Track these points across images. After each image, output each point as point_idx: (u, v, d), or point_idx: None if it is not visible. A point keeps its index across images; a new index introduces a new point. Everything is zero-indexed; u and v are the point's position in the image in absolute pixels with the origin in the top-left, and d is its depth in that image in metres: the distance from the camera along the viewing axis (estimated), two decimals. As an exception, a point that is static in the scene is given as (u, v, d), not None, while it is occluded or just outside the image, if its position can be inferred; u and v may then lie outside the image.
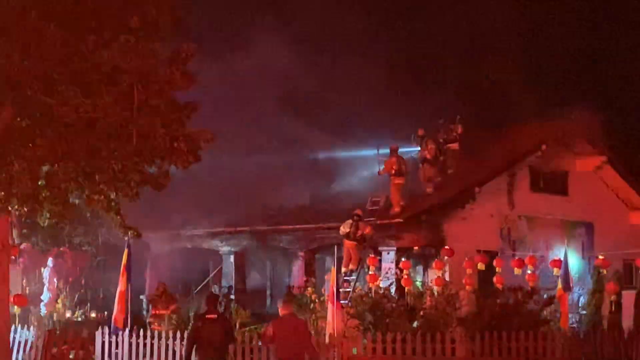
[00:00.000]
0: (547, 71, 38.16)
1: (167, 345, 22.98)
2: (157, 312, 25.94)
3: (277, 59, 32.69)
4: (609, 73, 40.68)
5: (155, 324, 25.46)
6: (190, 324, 18.92)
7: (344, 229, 26.81)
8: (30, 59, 21.08)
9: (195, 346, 17.55)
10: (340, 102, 34.24)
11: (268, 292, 32.03)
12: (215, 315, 17.82)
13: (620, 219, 32.78)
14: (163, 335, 23.18)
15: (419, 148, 30.59)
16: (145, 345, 23.30)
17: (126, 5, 21.57)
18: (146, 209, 25.00)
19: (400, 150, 30.21)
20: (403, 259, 26.19)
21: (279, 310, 17.50)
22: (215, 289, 30.10)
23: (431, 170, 29.90)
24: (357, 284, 26.54)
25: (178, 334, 22.77)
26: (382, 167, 29.04)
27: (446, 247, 26.80)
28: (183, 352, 18.88)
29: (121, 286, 24.30)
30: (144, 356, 23.29)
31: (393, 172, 28.38)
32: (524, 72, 35.38)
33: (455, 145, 31.01)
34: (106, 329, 23.96)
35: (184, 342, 18.84)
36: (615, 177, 33.04)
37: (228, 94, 29.93)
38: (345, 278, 26.69)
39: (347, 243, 26.79)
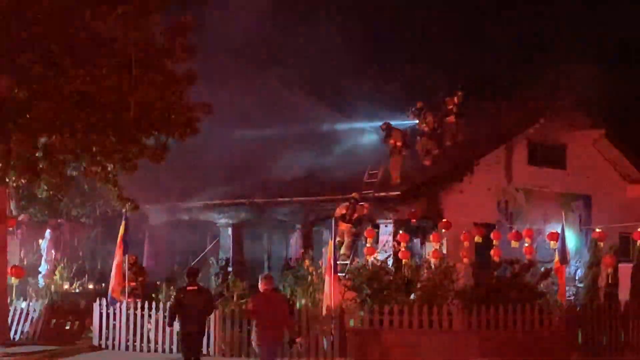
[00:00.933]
0: (546, 43, 38.11)
1: (164, 317, 23.07)
2: (127, 283, 25.60)
3: (276, 31, 32.65)
4: (608, 46, 40.60)
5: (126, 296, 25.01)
6: (173, 296, 20.05)
7: (340, 211, 26.57)
8: (28, 30, 21.03)
9: (178, 315, 18.74)
10: (339, 74, 34.21)
11: (266, 265, 32.05)
12: (196, 287, 18.92)
13: (618, 192, 32.83)
14: (161, 306, 23.26)
15: (417, 121, 30.58)
16: (142, 316, 23.40)
17: (124, -23, 21.52)
18: (144, 181, 25.02)
19: (397, 123, 30.33)
20: (400, 232, 26.18)
21: (260, 286, 18.07)
22: (212, 260, 30.16)
23: (429, 142, 29.88)
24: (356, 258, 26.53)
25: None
26: (382, 136, 28.97)
27: (444, 219, 26.81)
28: (167, 321, 19.93)
29: (118, 258, 24.32)
30: (142, 327, 23.39)
31: (400, 144, 28.29)
32: (523, 45, 35.33)
33: (451, 119, 31.00)
34: (104, 301, 24.03)
35: (167, 312, 19.96)
36: (613, 150, 33.05)
37: (225, 65, 29.88)
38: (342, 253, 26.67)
39: (342, 225, 26.62)
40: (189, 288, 18.94)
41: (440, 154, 30.08)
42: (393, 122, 30.13)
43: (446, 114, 30.88)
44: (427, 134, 29.94)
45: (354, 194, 26.78)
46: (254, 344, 18.25)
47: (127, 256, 25.63)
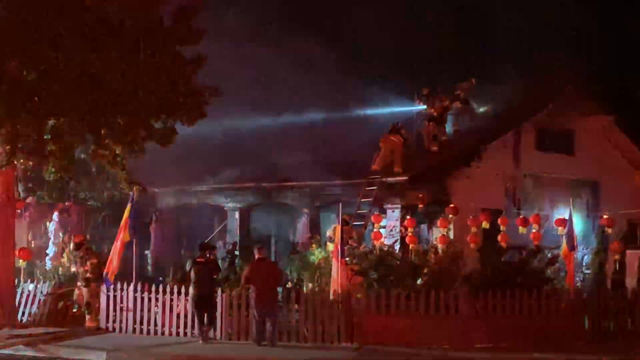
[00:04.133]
0: (556, 28, 37.94)
1: (171, 300, 23.17)
2: (77, 268, 25.15)
3: (287, 14, 32.58)
4: (618, 32, 40.44)
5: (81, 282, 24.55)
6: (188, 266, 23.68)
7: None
8: (36, 13, 21.04)
9: (192, 282, 22.71)
10: (351, 58, 34.13)
11: (273, 249, 32.05)
12: (203, 259, 22.96)
13: (626, 179, 32.72)
14: (167, 290, 23.33)
15: (424, 106, 30.55)
16: (150, 299, 23.46)
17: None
18: (152, 164, 25.03)
19: (404, 109, 30.50)
20: (408, 217, 26.16)
21: (255, 255, 22.49)
22: (219, 244, 30.19)
23: (436, 128, 29.83)
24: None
25: (183, 289, 23.01)
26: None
27: (451, 205, 26.75)
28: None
29: (119, 239, 24.31)
30: (149, 310, 23.46)
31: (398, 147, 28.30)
32: (533, 30, 35.20)
33: (458, 104, 30.98)
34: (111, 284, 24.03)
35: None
36: (622, 136, 32.97)
37: (236, 49, 29.82)
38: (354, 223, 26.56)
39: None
40: (198, 260, 22.96)
41: (448, 140, 30.07)
42: (402, 108, 30.26)
43: (455, 99, 30.86)
44: (435, 119, 29.90)
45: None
46: (251, 303, 21.89)
47: (75, 237, 25.64)
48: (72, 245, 25.94)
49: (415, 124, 30.37)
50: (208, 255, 23.35)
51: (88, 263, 24.51)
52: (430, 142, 29.65)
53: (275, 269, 22.89)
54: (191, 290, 22.71)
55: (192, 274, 22.73)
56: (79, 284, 24.73)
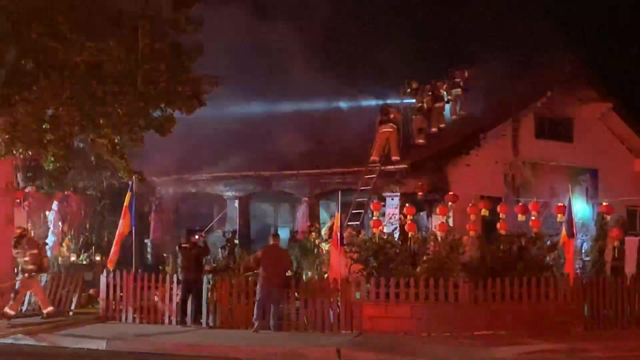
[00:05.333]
0: (555, 16, 37.93)
1: (170, 289, 23.20)
2: (19, 259, 24.24)
3: (283, 4, 32.59)
4: (617, 19, 40.42)
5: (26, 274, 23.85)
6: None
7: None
8: (35, 2, 21.01)
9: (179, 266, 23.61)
10: (348, 47, 34.11)
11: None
12: (188, 245, 23.54)
13: (625, 166, 32.76)
14: (167, 279, 23.35)
15: (412, 100, 30.48)
16: (149, 288, 23.48)
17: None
18: (151, 153, 25.02)
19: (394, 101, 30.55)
20: (407, 205, 26.15)
21: (270, 241, 22.75)
22: (219, 232, 30.21)
23: (424, 121, 29.75)
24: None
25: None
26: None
27: (450, 192, 26.76)
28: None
29: (120, 228, 24.35)
30: (148, 299, 23.48)
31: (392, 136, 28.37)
32: (532, 17, 35.18)
33: (459, 92, 30.95)
34: (111, 272, 24.04)
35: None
36: (621, 124, 32.97)
37: (234, 38, 29.81)
38: (348, 224, 26.61)
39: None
40: (183, 245, 23.62)
41: (447, 127, 30.06)
42: (400, 99, 30.35)
43: (453, 87, 30.83)
44: (423, 112, 29.83)
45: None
46: (257, 287, 22.03)
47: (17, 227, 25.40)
48: (13, 239, 25.18)
49: (403, 116, 30.24)
50: (196, 239, 23.70)
51: (28, 254, 23.79)
52: (416, 135, 29.52)
53: (286, 256, 23.04)
54: (179, 275, 23.21)
55: (179, 260, 23.47)
56: (20, 275, 24.33)
